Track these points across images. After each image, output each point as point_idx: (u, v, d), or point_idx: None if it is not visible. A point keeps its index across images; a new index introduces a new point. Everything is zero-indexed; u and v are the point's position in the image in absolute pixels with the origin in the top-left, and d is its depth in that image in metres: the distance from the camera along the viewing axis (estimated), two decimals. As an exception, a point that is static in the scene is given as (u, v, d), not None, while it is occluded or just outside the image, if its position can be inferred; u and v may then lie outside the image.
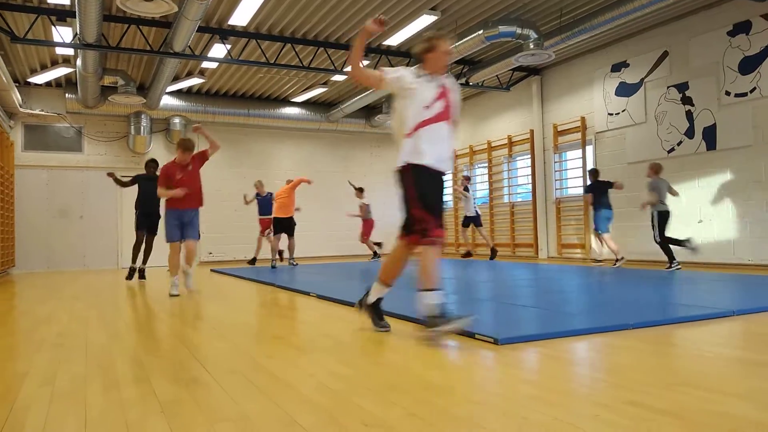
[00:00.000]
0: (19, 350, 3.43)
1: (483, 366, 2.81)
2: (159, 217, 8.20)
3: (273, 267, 10.29)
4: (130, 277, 8.46)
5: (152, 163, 8.53)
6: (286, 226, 10.42)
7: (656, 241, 8.10)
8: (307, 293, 6.00)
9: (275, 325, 4.14)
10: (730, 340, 3.26)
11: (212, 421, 2.00)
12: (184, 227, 6.37)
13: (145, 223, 8.43)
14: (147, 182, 8.35)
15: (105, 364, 2.97)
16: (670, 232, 8.10)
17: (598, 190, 9.00)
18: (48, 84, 11.88)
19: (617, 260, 8.74)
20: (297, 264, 11.12)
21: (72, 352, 3.30)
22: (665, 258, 8.04)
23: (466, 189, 11.64)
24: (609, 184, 8.98)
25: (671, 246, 7.96)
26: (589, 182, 9.46)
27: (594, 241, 10.18)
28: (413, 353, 3.08)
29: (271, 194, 11.20)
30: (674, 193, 8.28)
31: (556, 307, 4.50)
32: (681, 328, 3.54)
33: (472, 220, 11.46)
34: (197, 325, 4.26)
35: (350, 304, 4.97)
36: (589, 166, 10.79)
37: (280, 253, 11.47)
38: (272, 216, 10.61)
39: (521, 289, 5.86)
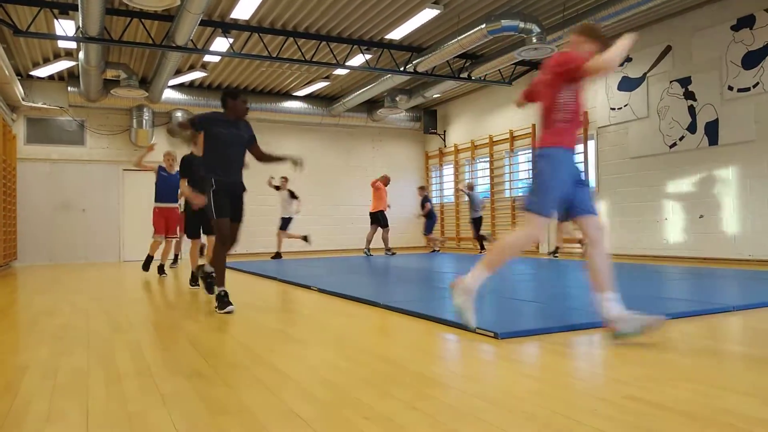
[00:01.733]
0: (20, 343, 3.45)
1: (483, 360, 2.82)
2: (244, 189, 4.81)
3: (366, 254, 11.88)
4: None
5: (236, 96, 4.64)
6: (378, 219, 11.92)
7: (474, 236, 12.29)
8: (309, 287, 6.01)
9: (277, 319, 4.15)
10: (729, 335, 3.27)
11: (214, 414, 2.01)
12: None
13: (226, 207, 4.59)
14: (226, 128, 4.61)
15: (107, 356, 2.98)
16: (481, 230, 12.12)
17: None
18: (50, 77, 11.88)
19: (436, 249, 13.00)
20: (394, 253, 12.16)
21: (74, 344, 3.32)
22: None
23: (292, 193, 12.01)
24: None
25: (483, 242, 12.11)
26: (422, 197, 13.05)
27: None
28: (414, 347, 3.09)
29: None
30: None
31: (556, 301, 4.51)
32: (680, 323, 3.55)
33: (288, 222, 12.01)
34: (198, 317, 4.28)
35: (350, 298, 4.99)
36: (591, 160, 10.78)
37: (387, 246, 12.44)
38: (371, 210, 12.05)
39: (521, 284, 5.87)
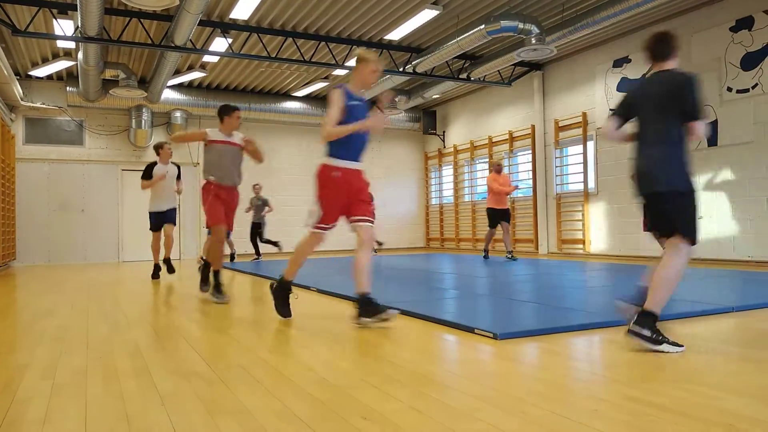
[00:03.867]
0: (20, 343, 3.44)
1: (482, 360, 2.81)
2: None
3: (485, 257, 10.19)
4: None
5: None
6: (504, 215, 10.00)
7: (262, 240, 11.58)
8: (308, 287, 6.01)
9: (275, 320, 4.15)
10: (729, 336, 3.27)
11: (212, 414, 2.01)
12: None
13: None
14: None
15: (105, 356, 2.98)
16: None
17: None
18: (49, 77, 11.87)
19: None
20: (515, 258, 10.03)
21: (73, 344, 3.31)
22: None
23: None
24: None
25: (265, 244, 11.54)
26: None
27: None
28: (412, 347, 3.09)
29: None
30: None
31: (555, 302, 4.51)
32: (680, 324, 3.55)
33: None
34: (197, 318, 4.28)
35: (349, 299, 4.98)
36: (590, 161, 10.78)
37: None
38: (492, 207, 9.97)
39: (521, 285, 5.87)
